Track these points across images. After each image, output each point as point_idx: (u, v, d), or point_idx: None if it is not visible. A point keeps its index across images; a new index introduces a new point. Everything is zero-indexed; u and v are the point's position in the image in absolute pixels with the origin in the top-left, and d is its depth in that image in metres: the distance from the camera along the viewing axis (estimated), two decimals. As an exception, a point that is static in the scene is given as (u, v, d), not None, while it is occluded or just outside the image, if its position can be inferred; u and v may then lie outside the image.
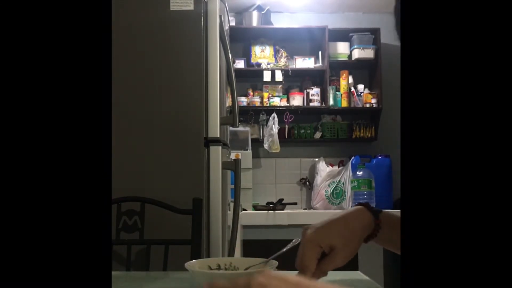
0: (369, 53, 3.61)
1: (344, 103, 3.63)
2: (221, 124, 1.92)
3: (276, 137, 3.49)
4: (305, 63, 3.69)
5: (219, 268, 0.86)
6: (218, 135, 1.90)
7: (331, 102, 3.59)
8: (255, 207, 3.33)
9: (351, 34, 3.65)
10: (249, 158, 3.37)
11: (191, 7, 1.90)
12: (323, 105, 3.59)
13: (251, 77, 3.69)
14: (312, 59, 3.69)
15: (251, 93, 3.64)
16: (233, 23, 3.64)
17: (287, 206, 3.33)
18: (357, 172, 3.39)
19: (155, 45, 1.91)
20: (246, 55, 3.71)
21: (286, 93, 3.67)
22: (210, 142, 1.90)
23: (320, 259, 0.80)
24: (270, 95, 3.62)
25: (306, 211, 3.46)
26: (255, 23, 3.67)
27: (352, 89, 3.65)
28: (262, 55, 3.68)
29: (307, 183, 3.69)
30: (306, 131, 3.65)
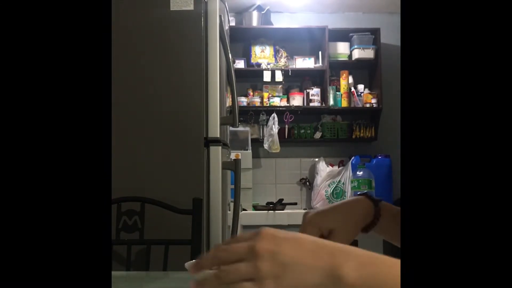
0: (369, 53, 3.61)
1: (344, 103, 3.63)
2: (221, 124, 1.92)
3: (276, 137, 3.49)
4: (305, 63, 3.69)
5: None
6: (218, 135, 1.90)
7: (331, 102, 3.59)
8: (255, 207, 3.33)
9: (351, 34, 3.65)
10: (249, 158, 3.37)
11: (191, 7, 1.90)
12: (323, 105, 3.59)
13: (251, 77, 3.69)
14: (312, 59, 3.69)
15: (251, 93, 3.64)
16: (233, 23, 3.64)
17: (287, 206, 3.33)
18: (357, 172, 3.39)
19: (155, 45, 1.91)
20: (246, 55, 3.71)
21: (286, 93, 3.67)
22: (210, 142, 1.89)
23: None
24: (270, 95, 3.62)
25: (306, 211, 3.45)
26: (255, 23, 3.67)
27: (352, 89, 3.65)
28: (262, 55, 3.68)
29: (307, 183, 3.69)
30: (306, 131, 3.65)
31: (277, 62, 3.65)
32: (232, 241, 0.54)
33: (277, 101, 3.60)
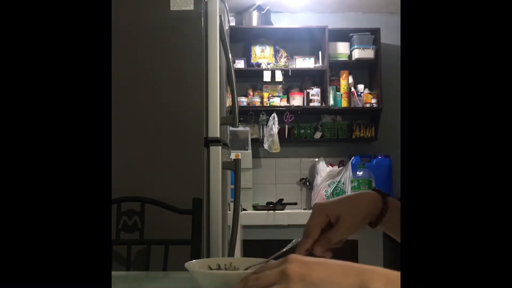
0: (369, 53, 3.61)
1: (344, 103, 3.63)
2: (221, 124, 1.92)
3: (276, 137, 3.49)
4: (305, 63, 3.69)
5: (219, 268, 0.86)
6: (218, 135, 1.90)
7: (331, 102, 3.60)
8: (255, 207, 3.33)
9: (351, 34, 3.65)
10: (249, 158, 3.37)
11: (191, 7, 1.90)
12: (323, 105, 3.59)
13: (251, 77, 3.69)
14: (312, 59, 3.69)
15: (251, 93, 3.64)
16: (233, 23, 3.64)
17: (287, 206, 3.33)
18: (357, 172, 3.39)
19: (155, 45, 1.91)
20: (246, 55, 3.71)
21: (286, 93, 3.67)
22: (210, 142, 1.89)
23: (328, 230, 0.83)
24: (270, 95, 3.62)
25: (306, 211, 3.46)
26: (255, 23, 3.67)
27: (352, 89, 3.65)
28: (262, 55, 3.68)
29: (307, 183, 3.69)
30: (306, 131, 3.65)
31: (277, 62, 3.65)
32: (261, 270, 0.57)
33: (277, 101, 3.60)
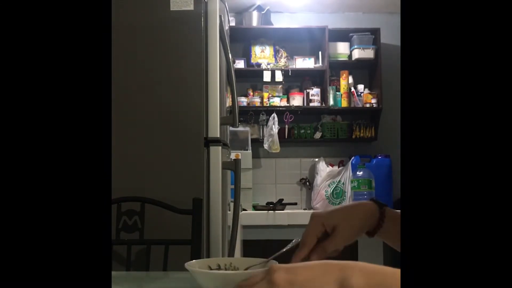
0: (369, 53, 3.61)
1: (344, 103, 3.63)
2: (221, 124, 1.92)
3: (276, 137, 3.49)
4: (305, 63, 3.69)
5: (219, 268, 0.86)
6: (218, 135, 1.90)
7: (331, 102, 3.60)
8: (255, 207, 3.33)
9: (351, 34, 3.65)
10: (249, 158, 3.37)
11: (191, 7, 1.90)
12: (323, 105, 3.59)
13: (251, 77, 3.69)
14: (312, 59, 3.69)
15: (251, 93, 3.64)
16: (233, 23, 3.64)
17: (287, 206, 3.33)
18: (357, 172, 3.39)
19: (155, 45, 1.91)
20: (246, 55, 3.71)
21: (286, 93, 3.67)
22: (210, 142, 1.89)
23: (324, 240, 0.83)
24: (270, 95, 3.62)
25: (306, 211, 3.46)
26: (255, 23, 3.67)
27: (352, 89, 3.65)
28: (262, 55, 3.68)
29: (307, 183, 3.69)
30: (306, 131, 3.65)
31: (277, 62, 3.65)
32: (245, 284, 0.61)
33: (277, 101, 3.60)
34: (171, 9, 1.90)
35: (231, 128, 2.85)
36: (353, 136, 3.66)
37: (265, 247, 3.02)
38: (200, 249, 1.51)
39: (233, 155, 2.78)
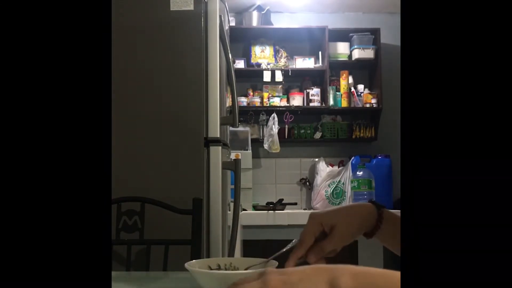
0: (369, 53, 3.61)
1: (344, 103, 3.63)
2: (221, 124, 1.92)
3: (276, 137, 3.49)
4: (305, 63, 3.69)
5: (219, 268, 0.86)
6: (218, 135, 1.90)
7: (331, 102, 3.60)
8: (255, 207, 3.33)
9: (351, 34, 3.65)
10: (249, 158, 3.37)
11: (191, 7, 1.90)
12: (323, 105, 3.59)
13: (251, 77, 3.69)
14: (312, 59, 3.69)
15: (251, 93, 3.64)
16: (233, 23, 3.64)
17: (287, 206, 3.33)
18: (357, 172, 3.39)
19: (155, 45, 1.91)
20: (246, 55, 3.71)
21: (286, 93, 3.67)
22: (210, 142, 1.90)
23: (322, 239, 0.84)
24: (270, 95, 3.62)
25: (306, 211, 3.46)
26: (255, 23, 3.67)
27: (352, 89, 3.65)
28: (262, 55, 3.68)
29: (307, 183, 3.69)
30: (306, 131, 3.65)
31: (277, 62, 3.65)
32: (239, 282, 0.62)
33: (277, 101, 3.60)
34: (171, 9, 1.90)
35: (231, 128, 2.85)
36: (353, 136, 3.66)
37: (265, 247, 3.02)
38: (200, 249, 1.51)
39: (233, 155, 2.78)
